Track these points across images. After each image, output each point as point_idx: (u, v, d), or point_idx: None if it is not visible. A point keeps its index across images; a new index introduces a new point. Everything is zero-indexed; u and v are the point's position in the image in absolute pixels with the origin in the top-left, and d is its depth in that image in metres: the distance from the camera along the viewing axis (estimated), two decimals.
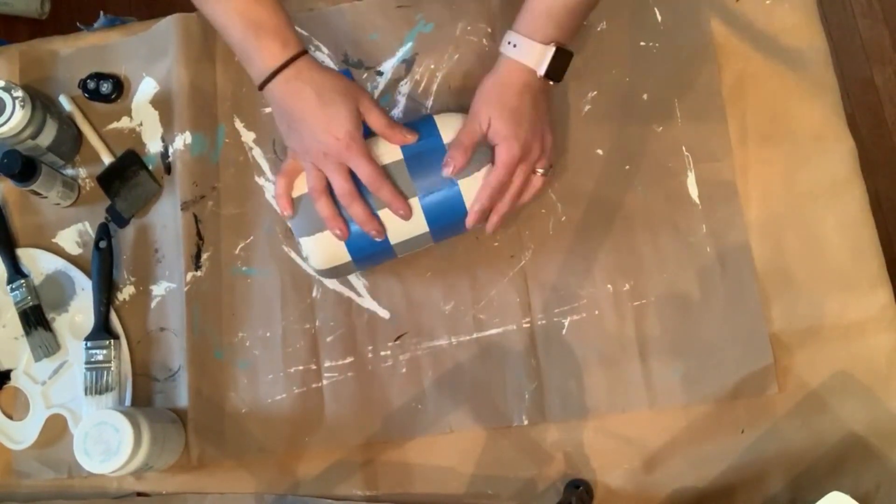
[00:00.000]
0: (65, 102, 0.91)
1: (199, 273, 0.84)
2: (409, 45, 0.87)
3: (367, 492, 0.79)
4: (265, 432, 0.80)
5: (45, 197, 0.86)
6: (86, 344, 0.83)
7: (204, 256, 0.84)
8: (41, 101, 0.84)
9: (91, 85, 0.89)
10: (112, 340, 0.83)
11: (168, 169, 0.88)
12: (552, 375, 0.78)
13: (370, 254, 0.74)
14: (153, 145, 0.89)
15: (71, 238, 0.88)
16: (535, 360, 0.78)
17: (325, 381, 0.81)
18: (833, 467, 0.74)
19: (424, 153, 0.72)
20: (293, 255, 0.84)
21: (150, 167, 0.88)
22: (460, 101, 0.84)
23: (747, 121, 0.81)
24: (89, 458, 0.73)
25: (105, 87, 0.89)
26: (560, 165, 0.82)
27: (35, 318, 0.85)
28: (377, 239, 0.73)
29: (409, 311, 0.81)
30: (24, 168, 0.82)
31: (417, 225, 0.73)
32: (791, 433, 0.75)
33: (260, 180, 0.86)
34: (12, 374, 0.86)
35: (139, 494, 0.81)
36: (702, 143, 0.81)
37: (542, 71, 0.71)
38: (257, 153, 0.87)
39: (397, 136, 0.72)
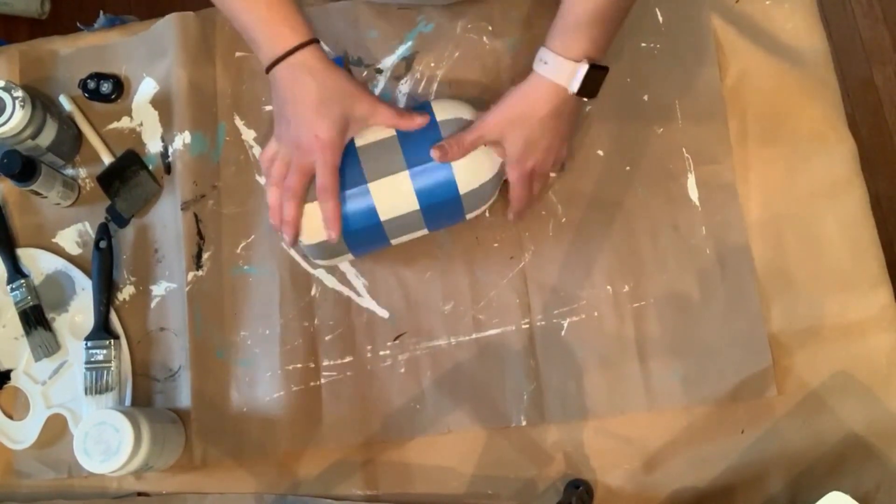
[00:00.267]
0: (65, 102, 0.91)
1: (200, 272, 0.84)
2: (409, 43, 0.87)
3: (367, 492, 0.79)
4: (265, 431, 0.80)
5: (45, 197, 0.86)
6: (86, 344, 0.83)
7: (205, 256, 0.84)
8: (41, 101, 0.84)
9: (91, 85, 0.89)
10: (112, 340, 0.83)
11: (168, 169, 0.88)
12: (551, 376, 0.78)
13: (358, 230, 0.73)
14: (153, 145, 0.89)
15: (71, 238, 0.88)
16: (534, 361, 0.78)
17: (323, 380, 0.81)
18: (833, 467, 0.74)
19: (418, 132, 0.72)
20: (293, 252, 0.84)
21: (150, 167, 0.88)
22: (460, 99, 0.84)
23: (748, 121, 0.81)
24: (89, 457, 0.73)
25: (105, 87, 0.89)
26: None
27: (35, 318, 0.85)
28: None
29: (408, 311, 0.81)
30: (24, 168, 0.82)
31: (408, 201, 0.73)
32: (791, 433, 0.75)
33: (261, 179, 0.86)
34: (12, 374, 0.86)
35: (139, 494, 0.81)
36: (702, 145, 0.81)
37: (574, 88, 0.69)
38: (258, 152, 0.87)
39: (409, 122, 0.72)
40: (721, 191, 0.80)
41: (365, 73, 0.87)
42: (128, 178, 0.87)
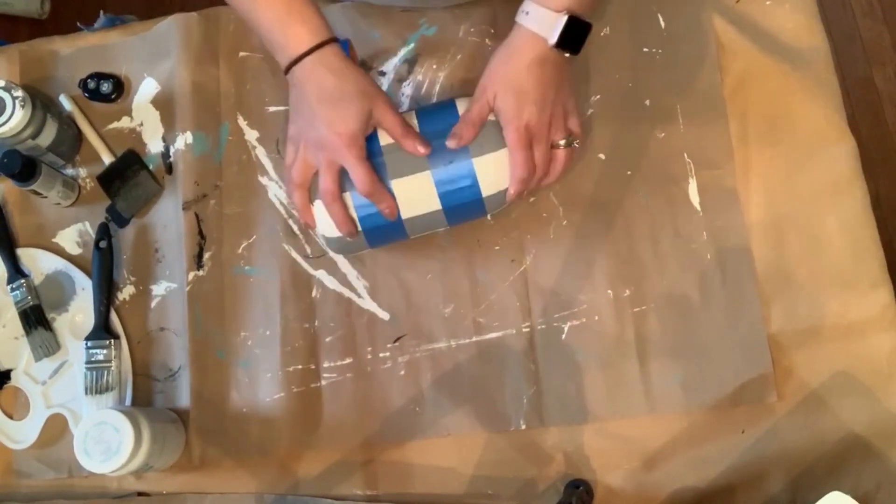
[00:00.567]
0: (65, 102, 0.91)
1: (201, 272, 0.84)
2: (412, 45, 0.87)
3: (367, 492, 0.79)
4: (265, 432, 0.80)
5: (46, 197, 0.86)
6: (86, 344, 0.83)
7: (206, 256, 0.84)
8: (41, 101, 0.84)
9: (91, 85, 0.89)
10: (112, 340, 0.83)
11: (169, 169, 0.88)
12: (551, 380, 0.78)
13: (379, 225, 0.73)
14: (154, 145, 0.89)
15: (71, 238, 0.88)
16: (535, 365, 0.78)
17: (323, 382, 0.81)
18: (833, 467, 0.74)
19: (442, 129, 0.72)
20: (294, 253, 0.84)
21: (151, 167, 0.88)
22: None
23: (748, 121, 0.81)
24: (89, 457, 0.73)
25: (105, 87, 0.89)
26: None
27: (35, 318, 0.85)
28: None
29: (408, 313, 0.81)
30: (24, 168, 0.82)
31: (430, 202, 0.73)
32: (791, 433, 0.75)
33: (263, 179, 0.86)
34: (12, 374, 0.86)
35: (139, 494, 0.81)
36: (703, 150, 0.81)
37: (553, 40, 0.69)
38: (260, 152, 0.87)
39: (410, 144, 0.71)
40: (722, 196, 0.80)
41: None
42: (128, 177, 0.87)
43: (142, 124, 0.90)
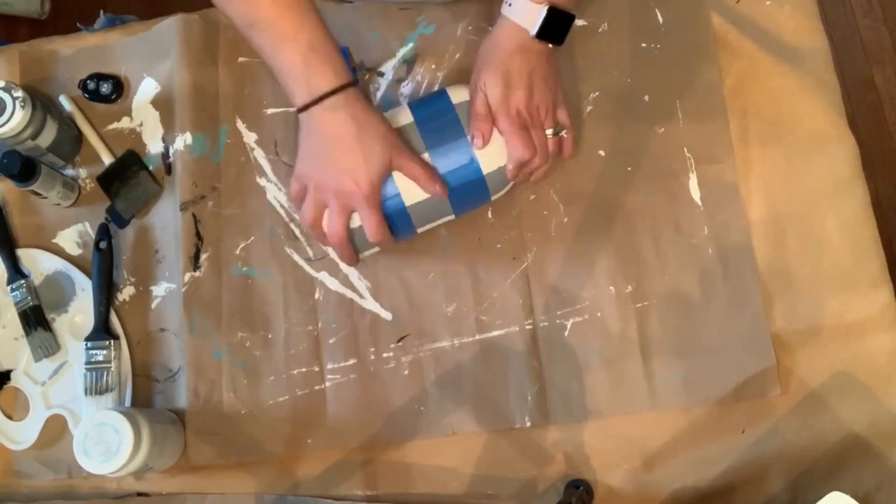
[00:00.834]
0: (65, 103, 0.91)
1: (197, 273, 0.84)
2: (411, 45, 0.87)
3: (367, 492, 0.79)
4: (265, 433, 0.80)
5: (45, 197, 0.86)
6: (86, 344, 0.83)
7: (203, 257, 0.84)
8: (41, 102, 0.84)
9: (91, 85, 0.89)
10: (112, 341, 0.83)
11: (168, 169, 0.88)
12: (554, 377, 0.78)
13: (384, 216, 0.73)
14: (154, 146, 0.89)
15: (71, 238, 0.88)
16: (538, 362, 0.78)
17: (327, 383, 0.81)
18: (833, 467, 0.74)
19: (434, 115, 0.73)
20: (296, 256, 0.84)
21: (151, 167, 0.88)
22: None
23: (748, 121, 0.81)
24: (89, 458, 0.73)
25: (105, 88, 0.89)
26: (561, 167, 0.82)
27: (35, 319, 0.85)
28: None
29: (411, 313, 0.81)
30: (24, 168, 0.82)
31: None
32: (791, 433, 0.75)
33: (261, 181, 0.86)
34: (12, 375, 0.86)
35: (139, 495, 0.81)
36: (703, 145, 0.81)
37: (533, 31, 0.71)
38: (259, 154, 0.87)
39: (432, 186, 0.71)
40: (722, 190, 0.80)
41: (367, 76, 0.87)
42: (128, 178, 0.87)
43: (142, 125, 0.90)
